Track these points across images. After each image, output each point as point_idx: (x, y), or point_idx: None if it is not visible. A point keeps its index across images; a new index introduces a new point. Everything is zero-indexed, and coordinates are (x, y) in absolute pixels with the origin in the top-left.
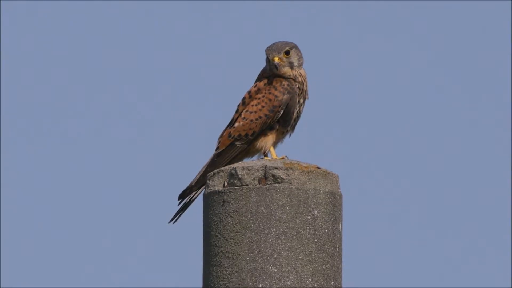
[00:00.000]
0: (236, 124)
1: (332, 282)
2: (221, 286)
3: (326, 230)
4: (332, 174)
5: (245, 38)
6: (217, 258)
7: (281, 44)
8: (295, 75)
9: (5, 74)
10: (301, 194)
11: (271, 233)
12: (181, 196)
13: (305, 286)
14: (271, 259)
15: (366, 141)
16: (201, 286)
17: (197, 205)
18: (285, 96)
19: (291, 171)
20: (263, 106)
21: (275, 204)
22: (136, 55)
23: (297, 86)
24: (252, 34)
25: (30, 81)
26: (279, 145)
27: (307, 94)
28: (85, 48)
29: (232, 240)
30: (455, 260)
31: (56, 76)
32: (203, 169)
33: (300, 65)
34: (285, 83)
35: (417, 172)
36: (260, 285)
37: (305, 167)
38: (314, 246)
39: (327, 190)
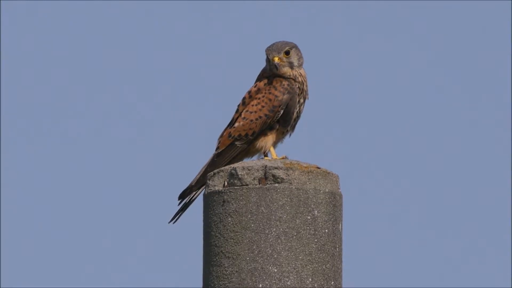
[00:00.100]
0: (236, 124)
1: (332, 282)
2: (221, 286)
3: (326, 230)
4: (332, 174)
5: (245, 38)
6: (217, 258)
7: (281, 44)
8: (295, 75)
9: (5, 74)
10: (301, 194)
11: (271, 233)
12: (181, 196)
13: (305, 286)
14: (271, 259)
15: (366, 141)
16: (201, 286)
17: (197, 205)
18: (285, 96)
19: (291, 171)
20: (263, 106)
21: (275, 204)
22: (136, 55)
23: (297, 86)
24: (252, 34)
25: (30, 81)
26: (279, 145)
27: (307, 94)
28: (85, 48)
29: (232, 240)
30: (455, 260)
31: (56, 76)
32: (203, 169)
33: (300, 65)
34: (285, 83)
35: (417, 172)
36: (260, 285)
37: (305, 167)
38: (314, 246)
39: (327, 190)
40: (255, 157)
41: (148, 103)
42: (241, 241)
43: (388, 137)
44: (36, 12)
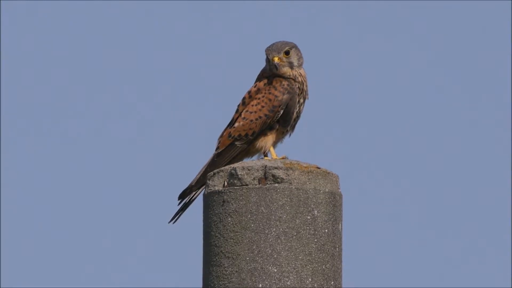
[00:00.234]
0: (236, 124)
1: (332, 282)
2: (221, 286)
3: (326, 230)
4: (332, 174)
5: (245, 38)
6: (217, 258)
7: (281, 44)
8: (295, 75)
9: (5, 74)
10: (301, 194)
11: (271, 233)
12: (181, 196)
13: (305, 286)
14: (271, 259)
15: (366, 141)
16: (201, 286)
17: (197, 205)
18: (285, 96)
19: (291, 171)
20: (263, 106)
21: (275, 204)
22: (136, 55)
23: (297, 86)
24: (252, 34)
25: (30, 81)
26: (279, 145)
27: (307, 94)
28: (85, 48)
29: (232, 240)
30: (455, 260)
31: (56, 76)
32: (203, 169)
33: (300, 65)
34: (285, 83)
35: (417, 172)
36: (260, 285)
37: (305, 167)
38: (314, 246)
39: (327, 190)
40: (255, 157)
41: (148, 103)
42: (241, 241)
43: (388, 137)
44: (36, 12)
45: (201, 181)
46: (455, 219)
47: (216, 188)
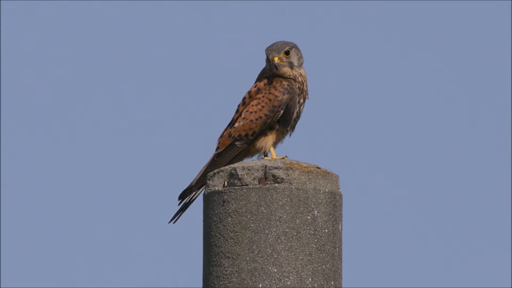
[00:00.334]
0: (236, 124)
1: (332, 282)
2: (221, 286)
3: (326, 230)
4: (332, 174)
5: (245, 38)
6: (217, 258)
7: (281, 44)
8: (295, 75)
9: (5, 74)
10: (301, 194)
11: (271, 233)
12: (181, 196)
13: (305, 286)
14: (271, 259)
15: (366, 141)
16: (201, 286)
17: (197, 205)
18: (285, 96)
19: (291, 171)
20: (263, 106)
21: (275, 204)
22: (136, 55)
23: (297, 86)
24: (252, 34)
25: (30, 81)
26: (279, 145)
27: (307, 94)
28: (85, 48)
29: (232, 240)
30: (455, 260)
31: (56, 76)
32: (203, 169)
33: (300, 65)
34: (285, 83)
35: (417, 172)
36: (260, 285)
37: (305, 167)
38: (314, 246)
39: (327, 190)
40: (255, 157)
41: (148, 103)
42: (241, 241)
43: (388, 137)
44: (36, 12)
45: (201, 181)
46: (455, 219)
47: (216, 188)
